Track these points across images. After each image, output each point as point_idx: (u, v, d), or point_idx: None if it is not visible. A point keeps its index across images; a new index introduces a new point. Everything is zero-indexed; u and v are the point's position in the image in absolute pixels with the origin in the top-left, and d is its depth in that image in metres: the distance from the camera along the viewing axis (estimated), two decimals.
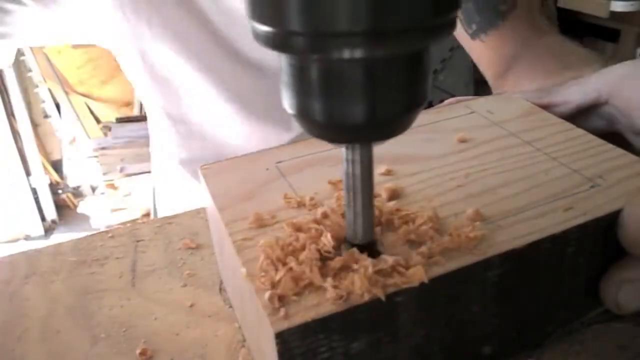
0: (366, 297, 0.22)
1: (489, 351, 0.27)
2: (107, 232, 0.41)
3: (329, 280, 0.23)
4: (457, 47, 1.99)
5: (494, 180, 0.29)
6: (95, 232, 0.41)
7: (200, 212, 0.42)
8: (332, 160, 0.32)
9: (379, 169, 0.30)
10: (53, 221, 2.48)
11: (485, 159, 0.31)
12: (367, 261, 0.23)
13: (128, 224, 0.41)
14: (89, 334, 0.32)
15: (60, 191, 2.51)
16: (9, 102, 2.34)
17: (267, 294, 0.23)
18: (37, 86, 2.39)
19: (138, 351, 0.30)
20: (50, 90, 2.40)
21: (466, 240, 0.25)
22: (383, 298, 0.22)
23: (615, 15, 1.83)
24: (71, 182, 2.50)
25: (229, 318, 0.32)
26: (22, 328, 0.33)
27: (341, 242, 0.25)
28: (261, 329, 0.23)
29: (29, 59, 2.35)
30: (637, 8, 1.79)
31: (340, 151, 0.23)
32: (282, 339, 0.21)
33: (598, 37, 2.09)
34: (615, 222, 0.27)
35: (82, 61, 2.33)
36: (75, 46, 2.08)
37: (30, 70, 2.37)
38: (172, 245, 0.39)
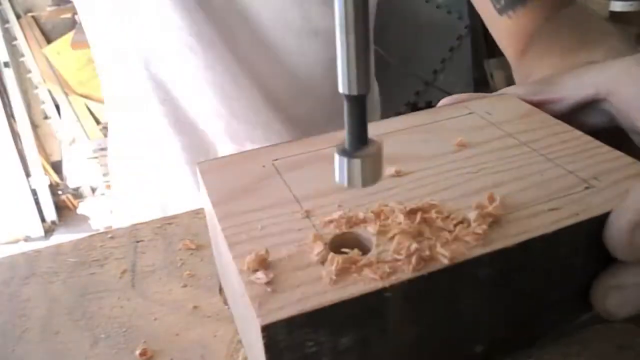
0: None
1: (480, 350, 0.27)
2: (106, 232, 0.41)
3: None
4: (457, 47, 2.00)
5: (489, 180, 0.29)
6: (95, 232, 0.41)
7: (200, 213, 0.42)
8: (329, 159, 0.32)
9: (387, 171, 0.30)
10: (53, 222, 2.48)
11: (481, 160, 0.31)
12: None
13: (128, 225, 0.42)
14: (88, 334, 0.32)
15: (60, 192, 2.51)
16: (9, 103, 2.34)
17: (255, 286, 0.23)
18: (36, 87, 2.40)
19: (138, 352, 0.31)
20: (50, 92, 2.40)
21: (474, 237, 0.25)
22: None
23: (615, 15, 1.83)
24: (71, 183, 2.49)
25: (229, 318, 0.33)
26: (22, 328, 0.33)
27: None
28: (250, 322, 0.24)
29: (28, 60, 2.35)
30: (637, 8, 1.79)
31: None
32: (269, 332, 0.22)
33: None
34: None
35: (82, 62, 2.32)
36: (75, 47, 2.08)
37: (29, 71, 2.37)
38: (172, 246, 0.39)
